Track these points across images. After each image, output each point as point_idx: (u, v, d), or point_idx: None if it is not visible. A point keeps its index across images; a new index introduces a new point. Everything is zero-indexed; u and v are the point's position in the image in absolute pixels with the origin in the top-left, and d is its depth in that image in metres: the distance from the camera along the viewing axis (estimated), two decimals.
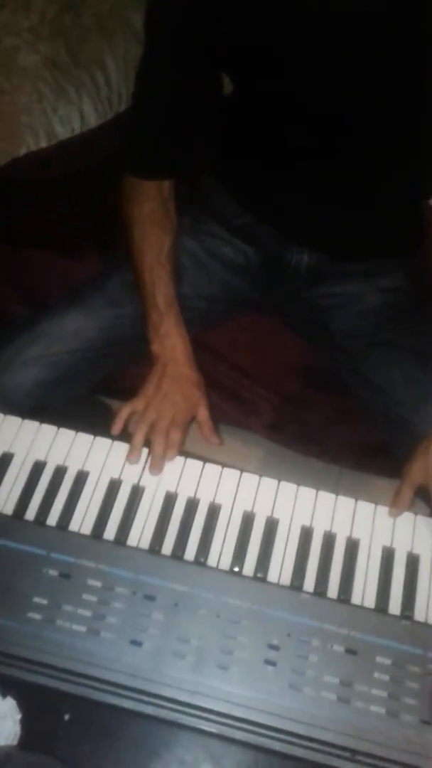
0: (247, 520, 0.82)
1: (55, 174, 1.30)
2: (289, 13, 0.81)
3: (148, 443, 0.90)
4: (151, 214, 0.99)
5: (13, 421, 0.88)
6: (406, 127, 0.86)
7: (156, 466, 0.85)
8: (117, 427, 0.91)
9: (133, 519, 0.81)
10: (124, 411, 0.93)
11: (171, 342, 0.97)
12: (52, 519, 0.81)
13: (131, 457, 0.86)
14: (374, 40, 0.80)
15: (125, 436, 0.92)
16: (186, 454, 0.89)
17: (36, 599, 0.72)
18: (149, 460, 0.86)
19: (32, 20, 1.24)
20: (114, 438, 0.89)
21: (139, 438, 0.89)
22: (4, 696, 0.70)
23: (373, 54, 0.81)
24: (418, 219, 1.11)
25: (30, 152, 1.24)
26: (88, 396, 1.20)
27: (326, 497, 0.84)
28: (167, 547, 0.79)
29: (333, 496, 0.84)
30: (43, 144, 1.25)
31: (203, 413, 0.96)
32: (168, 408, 0.92)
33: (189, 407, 0.95)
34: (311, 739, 0.66)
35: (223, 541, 0.80)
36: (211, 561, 0.79)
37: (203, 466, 0.86)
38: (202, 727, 0.68)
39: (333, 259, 1.06)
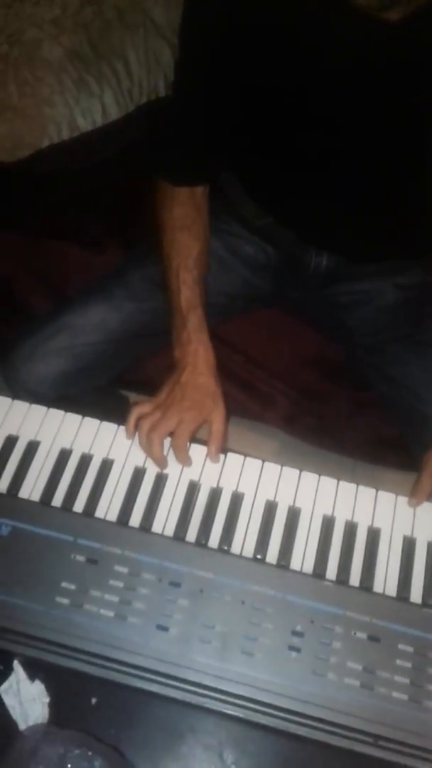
0: (270, 509, 0.83)
1: (77, 166, 1.30)
2: (307, 52, 0.82)
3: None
4: (181, 220, 0.99)
5: (39, 410, 0.89)
6: (419, 138, 0.87)
7: (159, 465, 0.85)
8: (129, 432, 0.88)
9: (158, 507, 0.82)
10: (133, 414, 0.90)
11: (192, 348, 0.95)
12: (79, 506, 0.82)
13: (155, 461, 0.86)
14: (379, 62, 0.81)
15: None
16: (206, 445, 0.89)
17: (64, 584, 0.73)
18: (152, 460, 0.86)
19: (55, 13, 1.25)
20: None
21: (142, 439, 0.87)
22: (33, 679, 0.72)
23: (379, 74, 0.82)
24: None
25: (52, 144, 1.25)
26: (108, 387, 1.21)
27: (347, 487, 0.84)
28: (191, 535, 0.80)
29: (354, 486, 0.84)
30: (65, 136, 1.26)
31: (217, 426, 0.90)
32: (174, 414, 0.89)
33: (196, 415, 0.90)
34: (334, 724, 0.67)
35: (246, 529, 0.81)
36: (235, 548, 0.80)
37: (225, 456, 0.87)
38: (227, 712, 0.69)
39: (351, 261, 1.07)
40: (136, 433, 0.88)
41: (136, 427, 0.88)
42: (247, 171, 1.06)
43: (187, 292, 0.97)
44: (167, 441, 0.88)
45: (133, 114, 1.28)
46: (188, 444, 0.87)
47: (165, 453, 0.87)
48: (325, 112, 0.87)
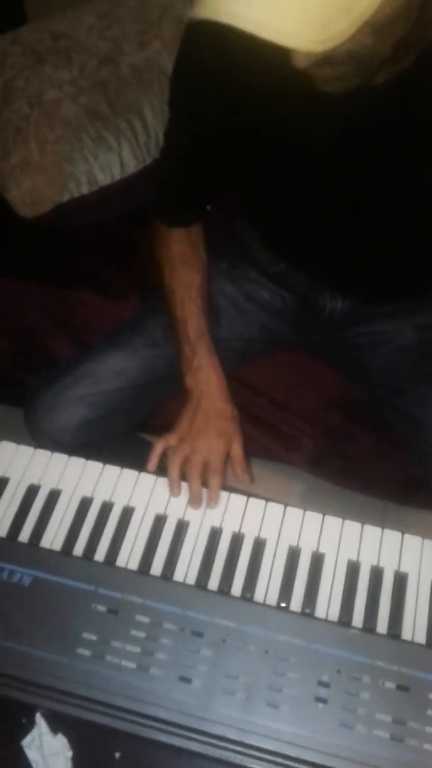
0: (293, 555, 0.81)
1: (97, 219, 1.34)
2: (290, 123, 0.84)
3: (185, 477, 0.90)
4: (180, 255, 1.02)
5: (60, 459, 0.90)
6: (422, 180, 0.88)
7: (195, 502, 0.86)
8: (152, 463, 0.90)
9: (179, 554, 0.82)
10: (158, 446, 0.93)
11: (204, 375, 0.97)
12: (100, 555, 0.82)
13: (173, 493, 0.86)
14: (372, 117, 0.82)
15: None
16: (229, 489, 0.89)
17: (85, 635, 0.72)
18: (189, 497, 0.87)
19: (73, 73, 1.29)
20: (158, 474, 0.89)
21: (174, 473, 0.89)
22: (55, 733, 0.71)
23: (375, 128, 0.83)
24: None
25: (73, 198, 1.29)
26: (130, 433, 1.21)
27: (372, 531, 0.83)
28: (213, 583, 0.80)
29: (379, 529, 0.83)
30: (85, 191, 1.29)
31: (237, 449, 0.94)
32: (202, 443, 0.92)
33: (224, 442, 0.94)
34: None
35: (270, 576, 0.80)
36: (258, 596, 0.78)
37: (247, 501, 0.86)
38: (252, 766, 0.67)
39: (366, 303, 1.08)
40: (171, 471, 0.89)
41: (159, 457, 0.91)
42: (258, 218, 1.08)
43: (194, 320, 0.99)
44: None
45: (150, 167, 1.32)
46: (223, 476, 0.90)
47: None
48: (329, 166, 0.88)
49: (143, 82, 1.31)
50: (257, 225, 1.09)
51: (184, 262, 1.02)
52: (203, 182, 1.00)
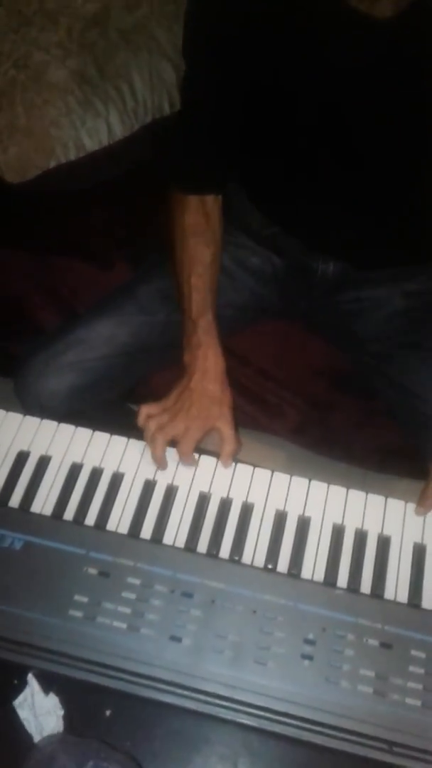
0: (280, 519, 0.83)
1: (84, 185, 1.32)
2: (304, 52, 0.84)
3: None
4: (192, 227, 1.00)
5: (49, 425, 0.90)
6: (421, 138, 0.88)
7: (159, 466, 0.87)
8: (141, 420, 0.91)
9: (169, 518, 0.83)
10: (141, 413, 0.92)
11: (202, 352, 0.96)
12: (90, 519, 0.83)
13: (154, 459, 0.87)
14: (380, 74, 0.83)
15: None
16: (216, 455, 0.90)
17: (77, 597, 0.73)
18: (153, 460, 0.88)
19: (60, 36, 1.27)
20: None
21: (148, 438, 0.89)
22: (47, 693, 0.72)
23: (377, 74, 0.83)
24: None
25: (60, 164, 1.27)
26: (117, 401, 1.22)
27: (357, 495, 0.85)
28: (202, 546, 0.81)
29: (363, 494, 0.85)
30: (72, 156, 1.28)
31: (226, 432, 0.92)
32: (181, 420, 0.90)
33: (202, 424, 0.91)
34: (349, 732, 0.67)
35: (257, 539, 0.82)
36: (246, 558, 0.80)
37: (235, 467, 0.88)
38: (241, 721, 0.69)
39: (358, 268, 1.08)
40: (146, 435, 0.89)
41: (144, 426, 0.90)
42: (252, 179, 1.07)
43: (198, 297, 0.98)
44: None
45: (138, 133, 1.30)
46: (193, 450, 0.89)
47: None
48: (325, 113, 0.88)
49: (132, 47, 1.29)
50: (249, 188, 1.09)
51: (196, 234, 1.00)
52: (222, 141, 0.98)
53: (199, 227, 1.01)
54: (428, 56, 0.80)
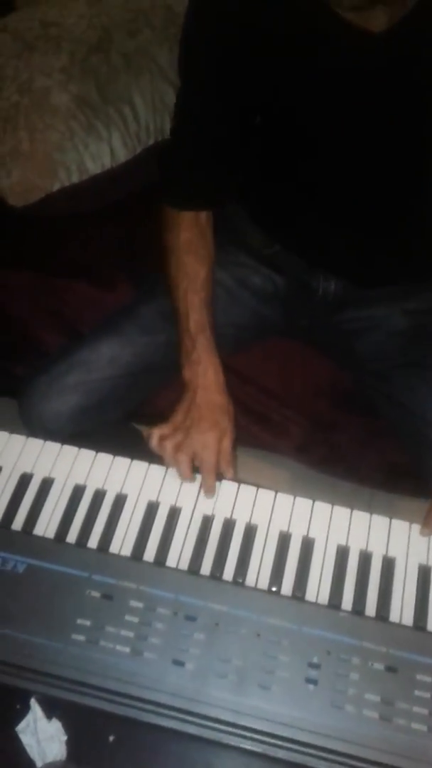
0: (284, 540, 0.83)
1: (87, 208, 1.33)
2: (301, 67, 0.85)
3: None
4: (187, 244, 1.01)
5: (53, 447, 0.90)
6: (420, 154, 0.88)
7: (188, 480, 0.88)
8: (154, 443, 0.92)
9: (172, 540, 0.83)
10: (153, 438, 0.92)
11: (202, 368, 0.97)
12: (93, 541, 0.82)
13: (184, 478, 0.88)
14: (377, 88, 0.83)
15: (160, 459, 0.93)
16: (220, 476, 0.90)
17: (79, 621, 0.73)
18: (181, 478, 0.88)
19: (63, 61, 1.29)
20: (151, 462, 0.90)
21: (170, 459, 0.90)
22: (50, 718, 0.71)
23: (373, 90, 0.84)
24: None
25: (63, 188, 1.28)
26: (121, 422, 1.22)
27: (361, 516, 0.84)
28: (206, 568, 0.81)
29: (368, 515, 0.85)
30: (75, 179, 1.29)
31: (226, 443, 0.93)
32: (195, 435, 0.91)
33: (216, 436, 0.93)
34: (354, 758, 0.66)
35: (261, 561, 0.81)
36: (250, 581, 0.80)
37: (238, 488, 0.88)
38: (245, 747, 0.68)
39: (359, 287, 1.08)
40: (166, 456, 0.90)
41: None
42: (252, 198, 1.08)
43: (196, 314, 0.99)
44: None
45: (141, 156, 1.31)
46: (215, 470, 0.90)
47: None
48: (324, 130, 0.88)
49: (133, 71, 1.30)
50: (250, 207, 1.09)
51: (190, 252, 1.01)
52: (216, 157, 0.99)
53: (194, 244, 1.02)
54: (425, 67, 0.80)
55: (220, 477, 0.90)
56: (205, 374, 0.97)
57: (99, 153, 1.29)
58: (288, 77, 0.87)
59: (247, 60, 0.87)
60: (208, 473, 0.89)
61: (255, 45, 0.86)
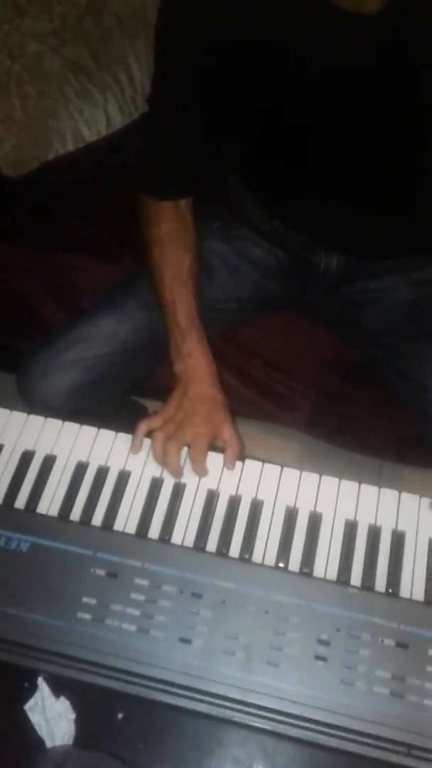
0: (290, 516, 0.81)
1: (84, 176, 1.31)
2: (294, 54, 0.82)
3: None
4: (170, 234, 0.99)
5: (54, 424, 0.89)
6: (417, 128, 0.86)
7: (176, 475, 0.85)
8: (136, 447, 0.87)
9: (177, 517, 0.82)
10: (142, 428, 0.89)
11: (193, 361, 0.95)
12: (97, 519, 0.81)
13: (172, 470, 0.85)
14: (372, 67, 0.81)
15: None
16: (222, 451, 0.88)
17: (85, 599, 0.72)
18: (169, 471, 0.86)
19: (54, 25, 1.25)
20: None
21: (157, 446, 0.87)
22: (58, 696, 0.71)
23: (367, 68, 0.82)
24: None
25: (58, 156, 1.26)
26: (123, 397, 1.21)
27: (369, 490, 0.83)
28: (212, 545, 0.80)
29: (376, 488, 0.83)
30: (71, 147, 1.26)
31: (228, 432, 0.91)
32: (188, 428, 0.89)
33: (210, 429, 0.90)
34: (366, 735, 0.66)
35: (267, 537, 0.80)
36: (256, 557, 0.78)
37: (244, 463, 0.86)
38: (255, 724, 0.68)
39: (362, 260, 1.06)
40: (155, 448, 0.87)
41: (142, 439, 0.88)
42: (251, 175, 1.05)
43: (184, 305, 0.97)
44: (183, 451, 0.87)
45: (138, 121, 1.28)
46: (205, 457, 0.87)
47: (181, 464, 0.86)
48: (319, 113, 0.86)
49: (128, 34, 1.27)
50: (250, 182, 1.07)
51: (173, 241, 0.99)
52: (193, 144, 0.96)
53: (177, 233, 1.00)
54: (417, 46, 0.79)
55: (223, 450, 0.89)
56: (197, 367, 0.95)
57: (94, 119, 1.26)
58: (279, 66, 0.84)
59: (232, 50, 0.84)
60: (194, 461, 0.86)
61: (240, 35, 0.83)
